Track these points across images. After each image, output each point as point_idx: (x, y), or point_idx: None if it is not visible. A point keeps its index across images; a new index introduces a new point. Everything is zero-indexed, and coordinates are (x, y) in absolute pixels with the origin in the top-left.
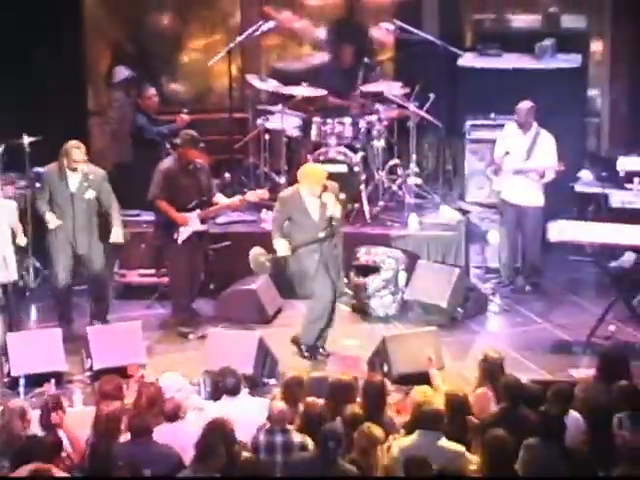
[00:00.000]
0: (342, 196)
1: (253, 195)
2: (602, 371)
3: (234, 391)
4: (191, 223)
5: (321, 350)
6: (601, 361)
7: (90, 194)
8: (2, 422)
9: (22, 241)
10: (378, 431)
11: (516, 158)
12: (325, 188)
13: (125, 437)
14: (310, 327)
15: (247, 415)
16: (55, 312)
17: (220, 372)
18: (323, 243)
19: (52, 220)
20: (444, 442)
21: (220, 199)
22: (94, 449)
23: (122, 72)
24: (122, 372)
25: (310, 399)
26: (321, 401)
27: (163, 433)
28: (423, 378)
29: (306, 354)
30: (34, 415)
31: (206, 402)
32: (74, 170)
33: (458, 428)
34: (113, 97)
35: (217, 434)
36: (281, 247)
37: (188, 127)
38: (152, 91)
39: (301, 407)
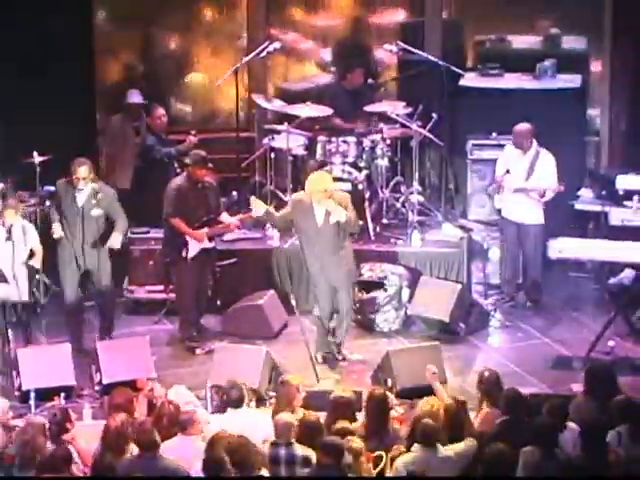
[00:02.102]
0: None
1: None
2: (589, 387)
3: (238, 403)
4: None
5: (338, 356)
6: (587, 378)
7: (96, 212)
8: (26, 438)
9: (37, 264)
10: (358, 444)
11: (517, 178)
12: (329, 197)
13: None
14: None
15: (251, 427)
16: (66, 328)
17: (226, 385)
18: (325, 253)
19: (57, 231)
20: (442, 451)
21: (225, 218)
22: (98, 462)
23: (135, 96)
24: (132, 386)
25: (306, 412)
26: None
27: (174, 446)
28: (426, 392)
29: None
30: None
31: (212, 416)
32: (79, 187)
33: (455, 436)
34: (110, 122)
35: (220, 448)
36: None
37: (196, 148)
38: (161, 111)
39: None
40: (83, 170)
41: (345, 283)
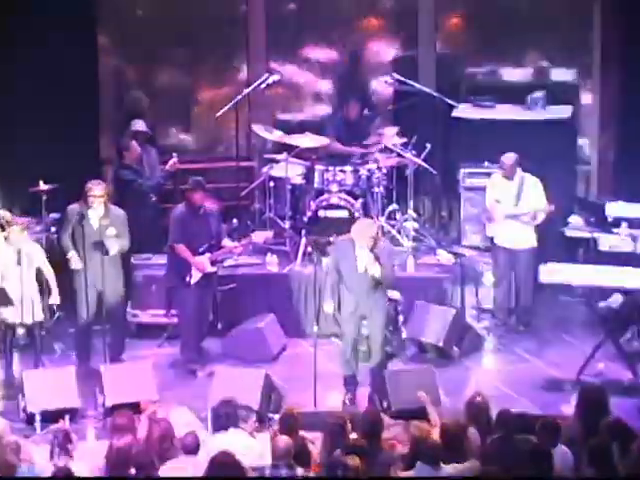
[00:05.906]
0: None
1: (259, 236)
2: (581, 408)
3: (231, 423)
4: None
5: None
6: (580, 398)
7: (111, 231)
8: None
9: (55, 300)
10: (355, 461)
11: (507, 204)
12: (376, 243)
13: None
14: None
15: (241, 449)
16: (75, 349)
17: (217, 404)
18: (362, 296)
19: (75, 261)
20: (444, 468)
21: (227, 243)
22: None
23: (138, 124)
24: (136, 407)
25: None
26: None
27: (176, 466)
28: (421, 413)
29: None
30: (39, 451)
31: (207, 437)
32: (94, 207)
33: (455, 456)
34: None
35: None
36: (329, 307)
37: (177, 172)
38: (134, 145)
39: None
40: (99, 189)
41: (378, 326)
